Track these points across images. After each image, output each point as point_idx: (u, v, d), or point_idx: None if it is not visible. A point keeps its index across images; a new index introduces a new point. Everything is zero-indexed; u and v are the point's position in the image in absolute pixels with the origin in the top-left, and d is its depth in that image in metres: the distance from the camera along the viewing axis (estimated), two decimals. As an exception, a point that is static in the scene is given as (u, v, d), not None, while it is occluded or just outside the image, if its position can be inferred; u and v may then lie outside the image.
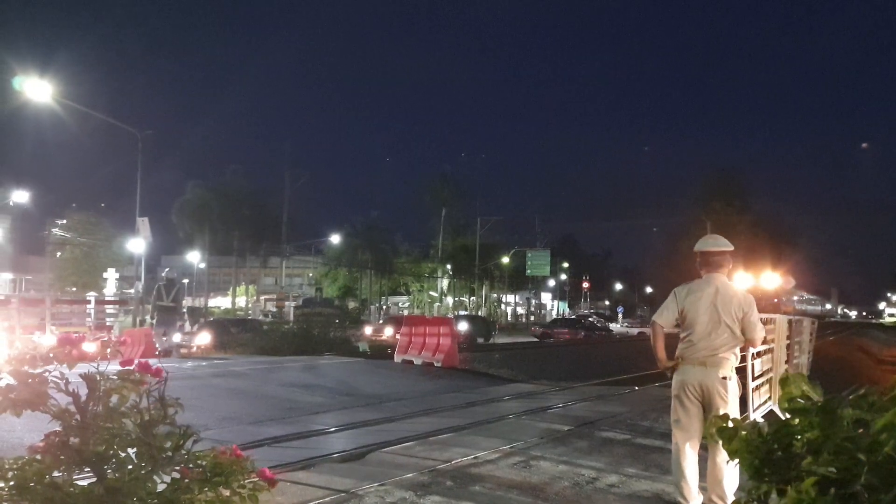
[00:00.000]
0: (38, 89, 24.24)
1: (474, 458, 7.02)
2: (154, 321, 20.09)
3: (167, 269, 26.17)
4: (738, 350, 5.29)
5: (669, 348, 5.43)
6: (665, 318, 5.36)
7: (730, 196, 60.83)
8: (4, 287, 49.04)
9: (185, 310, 20.84)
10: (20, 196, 51.69)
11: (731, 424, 3.02)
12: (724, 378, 5.13)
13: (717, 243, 5.42)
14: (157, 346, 19.24)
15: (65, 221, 60.42)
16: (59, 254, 60.58)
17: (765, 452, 2.91)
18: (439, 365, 17.85)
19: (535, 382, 16.56)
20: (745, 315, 5.20)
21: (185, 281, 76.18)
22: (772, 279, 35.38)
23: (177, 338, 20.47)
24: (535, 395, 14.48)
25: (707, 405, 5.12)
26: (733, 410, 5.07)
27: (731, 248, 5.45)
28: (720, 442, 3.00)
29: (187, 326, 33.64)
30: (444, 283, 71.58)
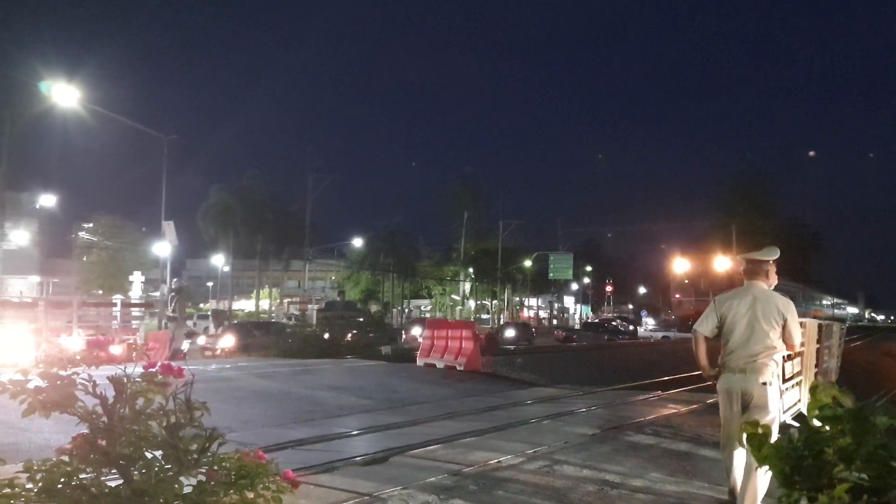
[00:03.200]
0: (65, 94, 24.60)
1: (497, 461, 6.99)
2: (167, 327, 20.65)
3: (175, 280, 26.45)
4: (779, 356, 5.29)
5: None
6: (705, 326, 5.44)
7: (755, 199, 60.15)
8: (32, 290, 49.74)
9: (175, 315, 21.21)
10: (47, 200, 52.45)
11: (760, 431, 2.99)
12: (764, 384, 5.13)
13: (759, 251, 5.51)
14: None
15: (91, 225, 61.13)
16: (85, 257, 61.31)
17: (795, 459, 2.87)
18: (462, 368, 17.82)
19: (557, 386, 16.48)
20: (785, 321, 5.26)
21: (209, 284, 76.90)
22: (723, 263, 37.63)
23: (184, 345, 20.82)
24: (558, 399, 14.41)
25: (748, 411, 5.14)
26: (772, 416, 5.07)
27: (775, 255, 5.49)
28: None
29: (211, 329, 33.95)
30: (467, 286, 71.52)
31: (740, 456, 5.22)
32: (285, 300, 65.12)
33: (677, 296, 47.64)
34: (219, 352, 23.98)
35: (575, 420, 10.74)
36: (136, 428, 3.36)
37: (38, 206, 52.53)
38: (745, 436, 2.93)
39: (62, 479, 3.08)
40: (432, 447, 8.03)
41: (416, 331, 33.59)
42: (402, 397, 13.77)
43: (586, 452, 7.63)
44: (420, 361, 19.21)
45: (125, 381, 3.37)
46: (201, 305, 64.64)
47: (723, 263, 39.23)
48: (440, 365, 18.41)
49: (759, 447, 2.89)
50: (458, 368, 17.89)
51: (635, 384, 17.19)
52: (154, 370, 3.50)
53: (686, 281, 46.57)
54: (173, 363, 3.64)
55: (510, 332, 43.08)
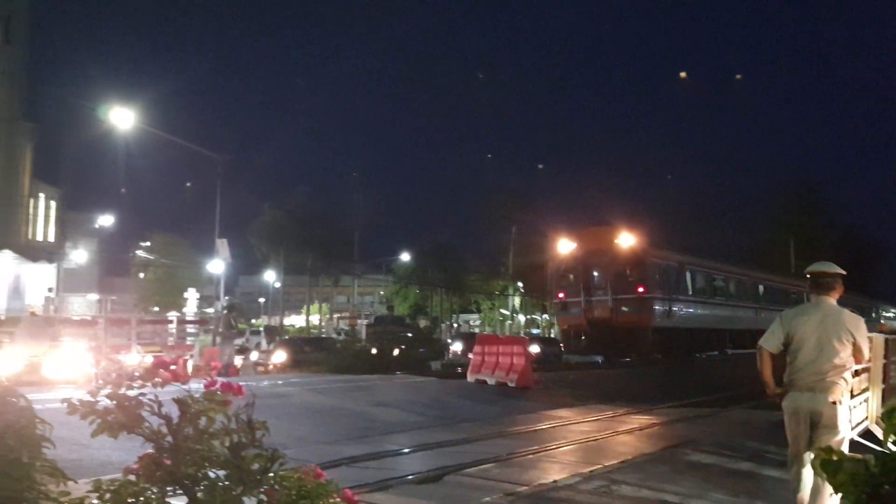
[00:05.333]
0: (122, 117, 25.33)
1: (553, 481, 6.90)
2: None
3: (226, 298, 26.92)
4: (848, 374, 5.13)
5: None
6: (771, 342, 5.30)
7: (812, 209, 58.69)
8: (90, 308, 51.14)
9: (224, 331, 21.57)
10: (105, 220, 54.04)
11: (835, 457, 2.89)
12: (834, 403, 4.98)
13: (827, 265, 5.41)
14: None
15: (148, 243, 62.76)
16: (142, 275, 62.92)
17: (872, 487, 2.76)
18: (513, 385, 17.69)
19: (611, 404, 16.24)
20: (854, 339, 5.12)
21: (261, 300, 78.05)
22: (628, 239, 26.14)
23: (237, 360, 21.28)
24: (614, 417, 14.20)
25: (816, 430, 4.99)
26: (842, 436, 4.93)
27: (843, 272, 5.39)
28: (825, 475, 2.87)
29: (263, 345, 34.41)
30: (516, 300, 71.21)
31: (808, 476, 5.06)
32: (335, 315, 65.73)
33: (560, 296, 27.36)
34: (271, 367, 24.28)
35: (632, 439, 10.57)
36: (199, 447, 3.41)
37: (97, 226, 54.14)
38: (819, 462, 2.84)
39: (130, 499, 3.13)
40: (486, 466, 7.97)
41: (458, 346, 33.41)
42: (454, 414, 13.72)
43: (644, 472, 7.49)
44: (470, 378, 19.13)
45: (189, 400, 3.42)
46: (253, 321, 65.70)
47: (627, 239, 25.65)
48: (491, 381, 18.31)
49: (834, 473, 2.79)
50: (509, 385, 17.77)
51: (692, 401, 16.85)
52: (215, 389, 3.54)
53: (571, 277, 27.32)
54: (233, 381, 3.68)
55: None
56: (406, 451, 9.95)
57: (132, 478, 3.27)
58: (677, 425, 12.28)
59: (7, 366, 14.34)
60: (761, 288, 34.94)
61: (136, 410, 3.24)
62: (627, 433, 11.32)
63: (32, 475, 3.10)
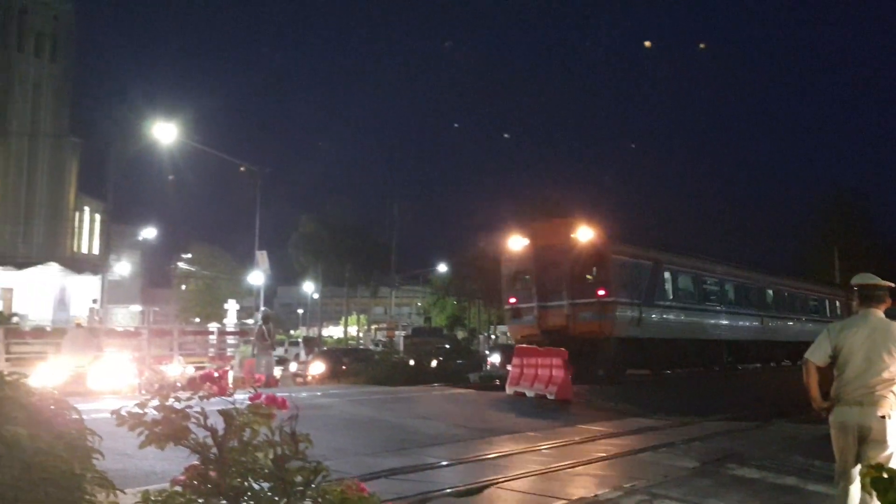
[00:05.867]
0: (165, 132, 25.88)
1: (594, 496, 6.85)
2: None
3: (263, 309, 27.18)
4: None
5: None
6: (818, 355, 5.21)
7: (854, 219, 57.42)
8: (133, 318, 52.11)
9: (260, 342, 21.67)
10: (148, 232, 55.13)
11: (885, 475, 2.83)
12: (883, 417, 4.87)
13: (874, 277, 5.33)
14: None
15: (189, 255, 63.84)
16: (183, 286, 63.99)
17: (926, 505, 2.70)
18: (553, 398, 17.57)
19: (653, 417, 16.03)
20: None
21: (300, 311, 78.73)
22: (587, 233, 21.04)
23: (276, 371, 21.49)
24: (655, 430, 14.02)
25: (864, 445, 4.89)
26: (891, 451, 4.82)
27: (892, 284, 5.33)
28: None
29: (302, 356, 34.69)
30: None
31: (855, 493, 4.95)
32: (373, 326, 66.08)
33: (512, 301, 23.76)
34: (309, 378, 24.42)
35: (674, 452, 10.42)
36: (244, 459, 3.46)
37: (140, 239, 55.26)
38: (868, 479, 2.79)
39: (177, 510, 3.19)
40: (527, 479, 7.93)
41: (496, 357, 33.24)
42: (493, 427, 13.67)
43: (687, 486, 7.39)
44: (509, 389, 19.04)
45: (234, 412, 3.47)
46: (292, 332, 66.33)
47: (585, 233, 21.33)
48: (530, 394, 18.20)
49: (886, 492, 2.74)
50: (548, 397, 17.65)
51: (735, 414, 16.55)
52: (260, 401, 3.59)
53: (526, 278, 23.30)
54: (277, 394, 3.73)
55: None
56: (445, 463, 9.92)
57: (178, 489, 3.33)
58: (721, 438, 12.09)
59: (53, 376, 14.64)
60: (770, 293, 30.73)
61: (183, 423, 3.31)
62: (668, 446, 11.16)
63: (83, 485, 3.17)
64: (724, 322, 26.50)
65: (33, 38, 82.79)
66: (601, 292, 20.90)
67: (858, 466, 4.93)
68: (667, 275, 23.98)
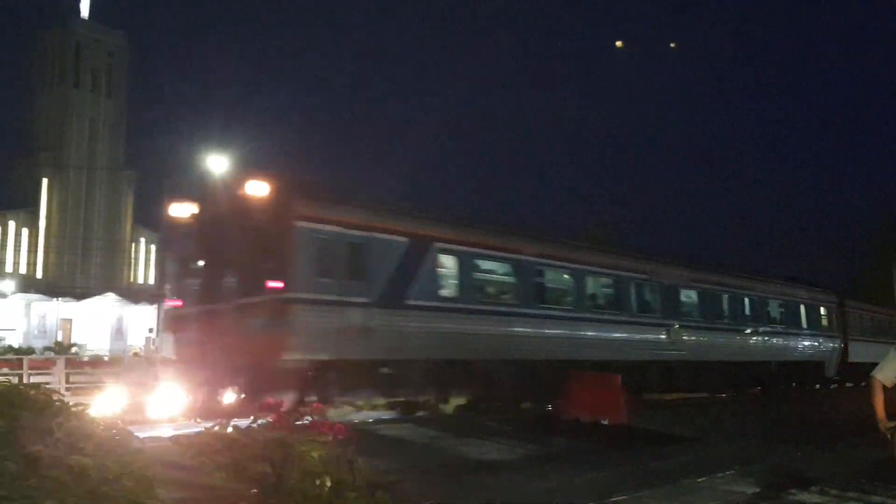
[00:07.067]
0: (218, 163, 26.52)
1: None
2: None
3: None
4: None
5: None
6: (885, 373, 5.07)
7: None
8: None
9: None
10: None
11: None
12: None
13: None
14: None
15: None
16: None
17: None
18: (606, 422, 17.31)
19: (709, 441, 15.69)
20: None
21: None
22: (262, 189, 13.57)
23: None
24: (711, 454, 13.71)
25: None
26: None
27: None
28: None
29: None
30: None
31: None
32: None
33: (176, 305, 15.16)
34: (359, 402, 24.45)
35: (731, 477, 10.15)
36: (301, 486, 3.47)
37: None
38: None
39: (237, 539, 3.21)
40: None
41: None
42: (548, 452, 13.52)
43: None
44: (562, 415, 18.83)
45: (291, 440, 3.50)
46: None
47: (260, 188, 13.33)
48: (584, 418, 17.96)
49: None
50: (601, 422, 17.39)
51: (794, 437, 16.09)
52: (317, 429, 3.61)
53: (195, 264, 15.64)
54: (331, 420, 3.74)
55: None
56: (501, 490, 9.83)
57: (239, 518, 3.36)
58: (780, 462, 11.74)
59: (112, 405, 14.95)
60: (692, 294, 22.72)
61: (242, 451, 3.35)
62: (727, 470, 10.88)
63: (147, 515, 3.22)
64: (561, 332, 18.95)
65: (89, 73, 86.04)
66: (272, 282, 12.83)
67: None
68: (438, 258, 15.80)
